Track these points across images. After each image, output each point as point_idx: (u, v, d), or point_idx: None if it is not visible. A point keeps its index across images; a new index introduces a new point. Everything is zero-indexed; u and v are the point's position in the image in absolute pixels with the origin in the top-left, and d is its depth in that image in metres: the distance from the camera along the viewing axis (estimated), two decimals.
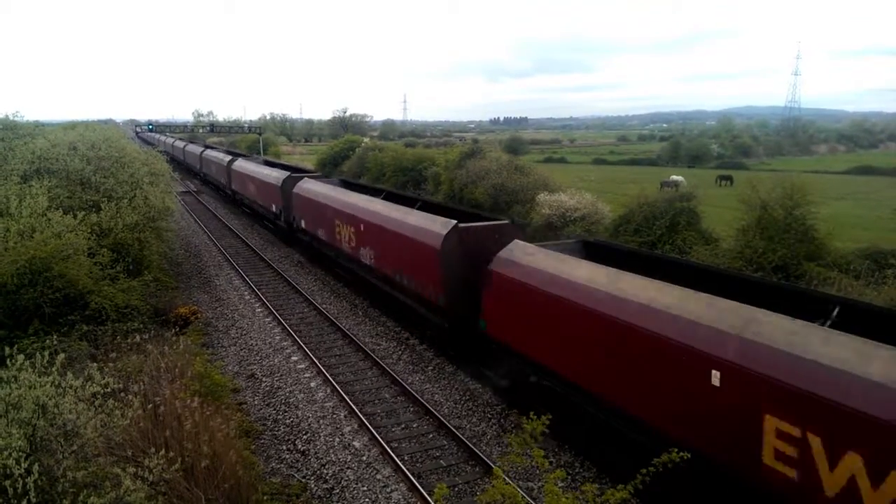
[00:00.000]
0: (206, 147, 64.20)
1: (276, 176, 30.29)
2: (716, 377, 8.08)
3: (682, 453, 6.72)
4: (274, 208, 30.40)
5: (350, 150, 60.68)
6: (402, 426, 12.54)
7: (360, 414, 12.69)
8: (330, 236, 22.40)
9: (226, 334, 18.13)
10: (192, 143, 75.00)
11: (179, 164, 68.06)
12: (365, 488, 10.37)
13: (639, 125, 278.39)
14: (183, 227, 35.09)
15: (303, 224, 25.90)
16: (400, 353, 16.49)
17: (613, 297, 9.95)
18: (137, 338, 12.03)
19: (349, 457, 11.35)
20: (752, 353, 7.75)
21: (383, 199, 20.45)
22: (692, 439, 8.33)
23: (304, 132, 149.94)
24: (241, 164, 39.98)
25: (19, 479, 6.07)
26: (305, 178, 27.27)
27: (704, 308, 8.73)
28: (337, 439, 12.00)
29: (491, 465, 10.43)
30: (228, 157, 45.21)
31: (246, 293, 22.20)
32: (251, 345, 17.22)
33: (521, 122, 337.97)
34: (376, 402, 13.64)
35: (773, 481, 7.47)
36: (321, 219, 23.30)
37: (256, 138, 80.00)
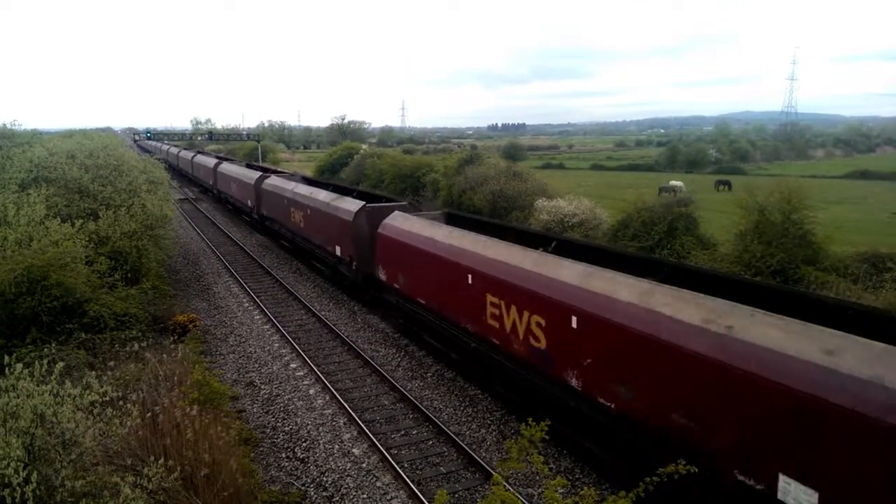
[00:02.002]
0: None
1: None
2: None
3: (688, 466, 6.69)
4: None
5: (348, 157, 60.82)
6: (402, 433, 12.51)
7: (359, 421, 12.66)
8: None
9: (224, 342, 18.09)
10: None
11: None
12: (365, 496, 10.34)
13: (636, 131, 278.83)
14: (181, 234, 35.07)
15: None
16: (399, 359, 16.46)
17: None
18: (136, 346, 11.95)
19: (349, 464, 11.32)
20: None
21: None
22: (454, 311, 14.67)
23: (302, 139, 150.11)
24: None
25: (17, 488, 6.04)
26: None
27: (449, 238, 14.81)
28: (336, 446, 11.96)
29: (491, 471, 10.41)
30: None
31: (245, 300, 22.17)
32: (250, 352, 17.19)
33: (519, 128, 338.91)
34: (375, 408, 13.61)
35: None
36: None
37: (255, 146, 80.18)
